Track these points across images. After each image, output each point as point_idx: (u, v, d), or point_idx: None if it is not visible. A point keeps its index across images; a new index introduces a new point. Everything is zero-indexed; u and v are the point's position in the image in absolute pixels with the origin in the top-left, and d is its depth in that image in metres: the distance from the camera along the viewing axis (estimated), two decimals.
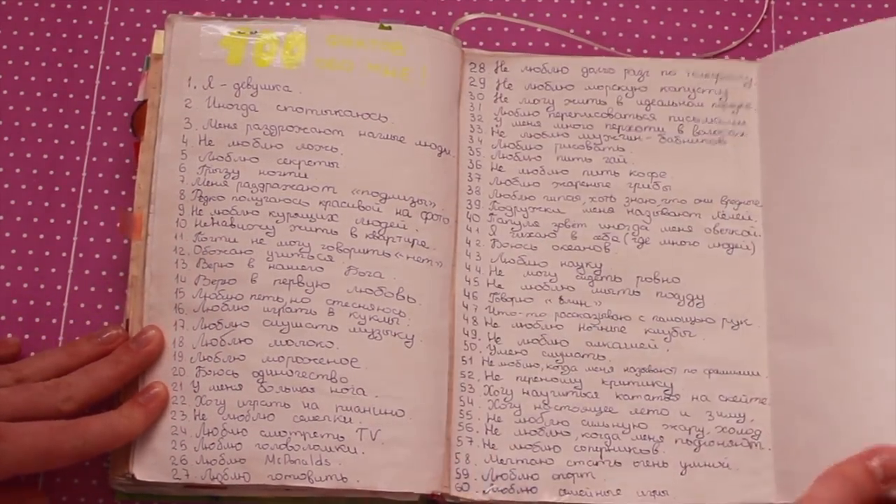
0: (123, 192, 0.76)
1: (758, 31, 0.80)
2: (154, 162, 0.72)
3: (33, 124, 0.77)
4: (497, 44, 0.79)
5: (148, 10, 0.79)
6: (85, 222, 0.75)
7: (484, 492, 0.70)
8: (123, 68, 0.78)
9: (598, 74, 0.76)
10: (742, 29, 0.80)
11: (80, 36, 0.79)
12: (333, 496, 0.69)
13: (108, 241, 0.75)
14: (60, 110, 0.78)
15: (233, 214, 0.71)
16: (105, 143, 0.77)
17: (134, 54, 0.79)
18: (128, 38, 0.79)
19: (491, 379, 0.72)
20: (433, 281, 0.72)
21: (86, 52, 0.79)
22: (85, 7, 0.80)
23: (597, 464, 0.70)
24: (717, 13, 0.80)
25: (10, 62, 0.78)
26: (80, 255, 0.75)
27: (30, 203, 0.76)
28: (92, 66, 0.78)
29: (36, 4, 0.79)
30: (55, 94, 0.78)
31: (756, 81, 0.76)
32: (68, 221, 0.76)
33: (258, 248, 0.71)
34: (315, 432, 0.68)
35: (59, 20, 0.79)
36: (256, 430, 0.68)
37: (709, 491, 0.69)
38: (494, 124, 0.76)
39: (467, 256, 0.73)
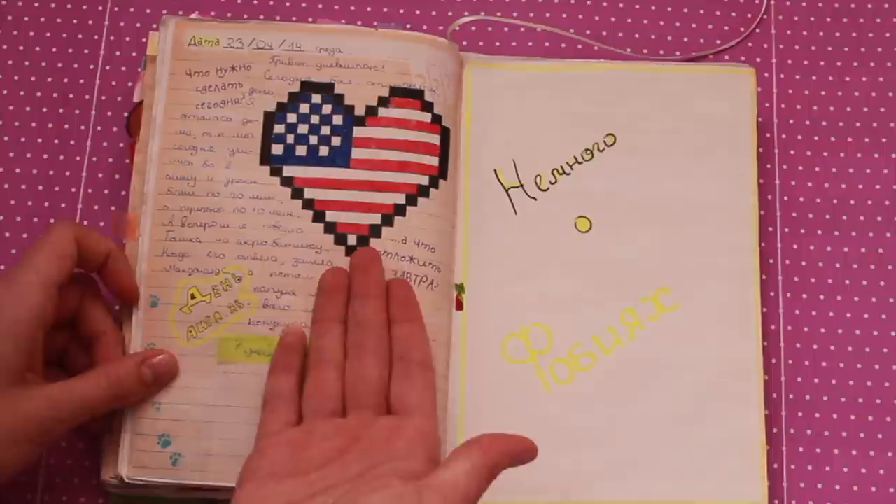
0: (123, 193, 0.76)
1: (757, 30, 0.80)
2: (147, 163, 0.72)
3: (33, 124, 0.77)
4: (497, 44, 0.79)
5: (148, 11, 0.80)
6: (85, 222, 0.76)
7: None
8: (123, 69, 0.78)
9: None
10: (742, 29, 0.80)
11: (80, 36, 0.79)
12: None
13: None
14: (60, 110, 0.78)
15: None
16: (105, 144, 0.77)
17: (134, 55, 0.79)
18: (128, 39, 0.79)
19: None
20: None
21: (86, 52, 0.79)
22: (85, 7, 0.80)
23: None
24: (717, 13, 0.80)
25: (10, 62, 0.78)
26: None
27: (30, 203, 0.76)
28: (92, 67, 0.79)
29: (36, 4, 0.80)
30: (55, 94, 0.78)
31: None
32: None
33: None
34: None
35: (59, 20, 0.79)
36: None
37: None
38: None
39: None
